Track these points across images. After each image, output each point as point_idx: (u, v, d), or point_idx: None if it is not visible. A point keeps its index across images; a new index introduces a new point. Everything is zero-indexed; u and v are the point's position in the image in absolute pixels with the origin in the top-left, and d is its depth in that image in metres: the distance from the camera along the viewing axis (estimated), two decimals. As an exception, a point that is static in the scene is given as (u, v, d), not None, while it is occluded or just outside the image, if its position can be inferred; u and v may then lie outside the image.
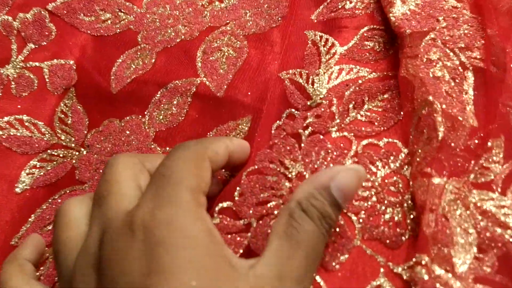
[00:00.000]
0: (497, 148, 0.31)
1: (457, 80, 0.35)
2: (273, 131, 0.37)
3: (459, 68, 0.36)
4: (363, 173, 0.30)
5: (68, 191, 0.40)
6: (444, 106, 0.33)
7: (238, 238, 0.34)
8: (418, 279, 0.29)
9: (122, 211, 0.26)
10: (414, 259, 0.30)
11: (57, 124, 0.42)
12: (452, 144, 0.30)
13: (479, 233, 0.30)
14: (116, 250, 0.22)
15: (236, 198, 0.34)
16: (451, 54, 0.37)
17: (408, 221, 0.33)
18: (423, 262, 0.29)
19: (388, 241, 0.33)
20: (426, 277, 0.29)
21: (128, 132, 0.41)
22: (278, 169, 0.36)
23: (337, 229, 0.33)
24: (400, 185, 0.33)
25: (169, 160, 0.28)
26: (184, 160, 0.26)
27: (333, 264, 0.32)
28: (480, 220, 0.30)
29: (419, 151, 0.32)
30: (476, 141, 0.31)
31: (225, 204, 0.34)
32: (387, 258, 0.32)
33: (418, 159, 0.32)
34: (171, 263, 0.21)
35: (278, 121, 0.37)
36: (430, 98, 0.33)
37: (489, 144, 0.31)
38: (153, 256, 0.21)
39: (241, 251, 0.34)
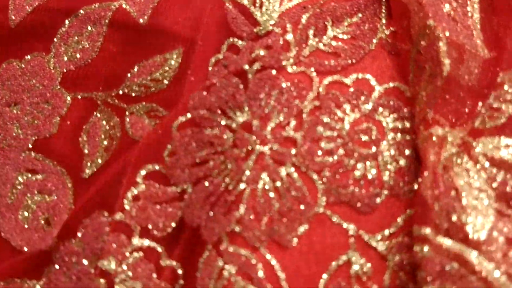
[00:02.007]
0: (509, 83, 0.25)
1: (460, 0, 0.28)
2: (210, 68, 0.31)
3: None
4: None
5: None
6: (447, 33, 0.27)
7: (170, 209, 0.28)
8: (420, 257, 0.24)
9: None
10: (415, 232, 0.24)
11: None
12: (460, 82, 0.26)
13: (495, 189, 0.25)
14: None
15: (166, 159, 0.29)
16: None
17: (385, 177, 0.27)
18: (425, 235, 0.24)
19: (359, 204, 0.27)
20: (430, 254, 0.23)
21: (29, 75, 0.36)
22: (218, 118, 0.29)
23: (293, 193, 0.27)
24: (374, 133, 0.28)
25: None
26: None
27: (289, 237, 0.26)
28: (495, 173, 0.25)
29: (422, 93, 0.28)
30: (486, 76, 0.26)
31: (152, 167, 0.29)
32: (358, 226, 0.26)
33: (420, 104, 0.27)
34: None
35: (217, 55, 0.31)
36: (431, 22, 0.27)
37: (500, 78, 0.26)
38: None
39: (173, 224, 0.28)
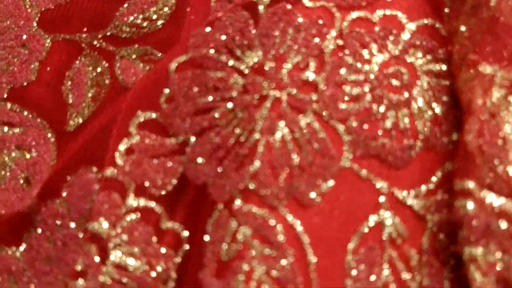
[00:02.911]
0: None
1: None
2: (213, 3, 0.27)
3: None
4: None
5: None
6: None
7: (170, 164, 0.25)
8: (462, 214, 0.21)
9: None
10: (457, 186, 0.21)
11: None
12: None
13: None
14: None
15: (163, 106, 0.25)
16: None
17: (419, 127, 0.24)
18: (468, 189, 0.21)
19: (390, 158, 0.24)
20: (474, 210, 0.20)
21: (1, 15, 0.32)
22: (224, 58, 0.25)
23: (315, 145, 0.24)
24: (405, 77, 0.25)
25: None
26: None
27: (311, 195, 0.23)
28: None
29: (462, 28, 0.25)
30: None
31: (147, 115, 0.26)
32: (390, 183, 0.24)
33: (461, 41, 0.24)
34: None
35: (221, -14, 0.29)
36: None
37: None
38: None
39: (174, 181, 0.25)
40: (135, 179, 0.25)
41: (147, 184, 0.24)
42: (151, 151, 0.25)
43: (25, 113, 0.30)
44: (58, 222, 0.25)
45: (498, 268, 0.20)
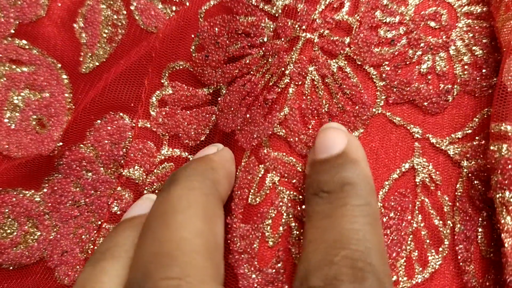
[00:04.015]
0: None
1: None
2: None
3: None
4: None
5: None
6: None
7: (203, 114, 0.25)
8: (497, 158, 0.19)
9: None
10: (493, 129, 0.20)
11: None
12: None
13: None
14: None
15: (194, 55, 0.24)
16: None
17: (457, 71, 0.23)
18: (505, 132, 0.20)
19: (426, 104, 0.22)
20: (510, 153, 0.19)
21: None
22: (255, 1, 0.23)
23: (347, 90, 0.22)
24: (444, 18, 0.23)
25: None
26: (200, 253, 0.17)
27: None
28: None
29: None
30: None
31: (178, 65, 0.25)
32: (425, 129, 0.22)
33: None
34: None
35: None
36: None
37: None
38: None
39: (207, 131, 0.24)
40: (169, 130, 0.24)
41: (181, 134, 0.24)
42: (184, 102, 0.24)
43: (35, 51, 0.28)
44: (86, 167, 0.24)
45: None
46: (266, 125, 0.22)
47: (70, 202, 0.24)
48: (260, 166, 0.22)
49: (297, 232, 0.21)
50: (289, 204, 0.21)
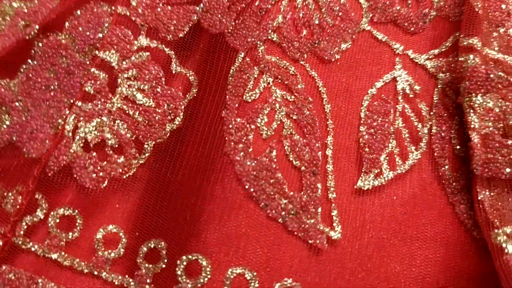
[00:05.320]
0: None
1: None
2: None
3: None
4: None
5: None
6: None
7: (183, 11, 0.24)
8: (465, 67, 0.22)
9: None
10: (463, 43, 0.22)
11: None
12: None
13: None
14: None
15: None
16: None
17: None
18: (472, 45, 0.22)
19: (406, 24, 0.24)
20: (475, 62, 0.22)
21: None
22: None
23: (336, 9, 0.23)
24: None
25: None
26: None
27: (331, 52, 0.24)
28: None
29: None
30: None
31: None
32: (406, 46, 0.24)
33: None
34: None
35: None
36: None
37: None
38: None
39: (186, 29, 0.24)
40: (148, 21, 0.23)
41: (160, 28, 0.23)
42: (167, -4, 0.24)
43: None
44: (62, 52, 0.23)
45: (496, 111, 0.21)
46: (260, 30, 0.23)
47: (43, 87, 0.23)
48: (255, 67, 0.23)
49: (290, 129, 0.22)
50: (283, 103, 0.22)
